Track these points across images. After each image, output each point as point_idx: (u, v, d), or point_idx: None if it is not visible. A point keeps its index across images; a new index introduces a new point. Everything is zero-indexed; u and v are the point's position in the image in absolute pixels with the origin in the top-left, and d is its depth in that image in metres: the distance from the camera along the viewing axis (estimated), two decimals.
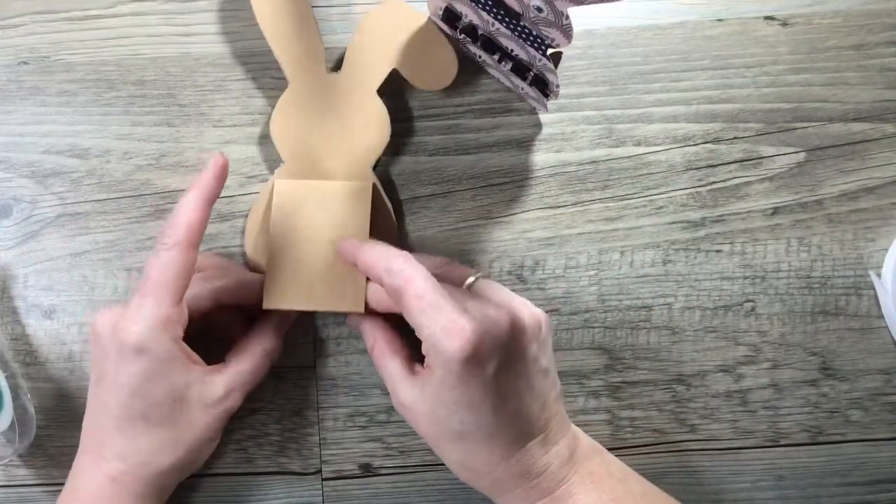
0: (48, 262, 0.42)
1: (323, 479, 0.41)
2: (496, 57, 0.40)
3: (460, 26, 0.40)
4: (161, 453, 0.34)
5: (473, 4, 0.37)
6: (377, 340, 0.37)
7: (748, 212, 0.43)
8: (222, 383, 0.36)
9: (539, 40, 0.36)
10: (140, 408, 0.34)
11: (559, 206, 0.43)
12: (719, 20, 0.44)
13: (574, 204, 0.43)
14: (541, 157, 0.43)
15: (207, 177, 0.34)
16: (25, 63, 0.43)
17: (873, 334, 0.42)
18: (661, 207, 0.43)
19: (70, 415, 0.41)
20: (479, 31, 0.40)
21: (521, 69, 0.40)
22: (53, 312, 0.42)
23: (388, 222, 0.41)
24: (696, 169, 0.43)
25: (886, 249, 0.42)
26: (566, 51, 0.39)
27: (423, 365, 0.35)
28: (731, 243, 0.42)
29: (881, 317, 0.42)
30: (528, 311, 0.35)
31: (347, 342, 0.42)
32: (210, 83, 0.43)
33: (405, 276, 0.33)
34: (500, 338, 0.32)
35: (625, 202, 0.43)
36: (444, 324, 0.32)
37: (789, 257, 0.42)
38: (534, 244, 0.42)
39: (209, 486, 0.41)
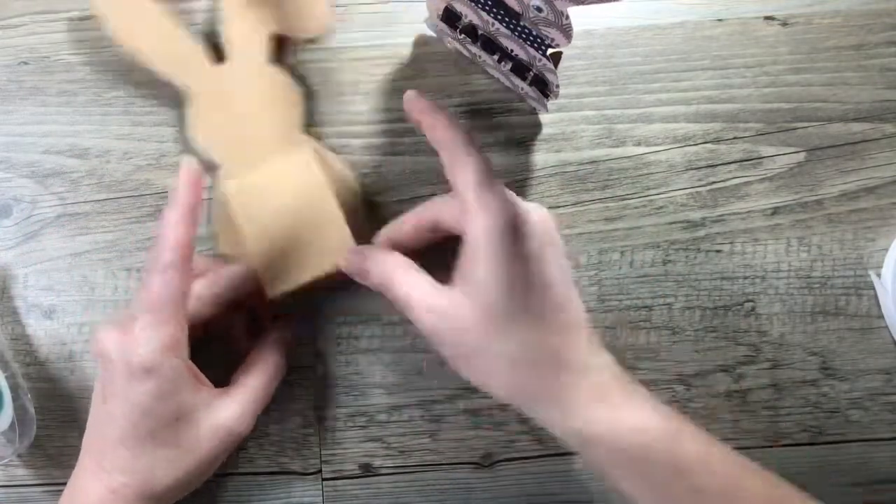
0: (48, 262, 0.42)
1: (323, 479, 0.41)
2: (496, 57, 0.40)
3: (460, 26, 0.40)
4: (163, 471, 0.34)
5: (473, 4, 0.37)
6: (395, 263, 0.35)
7: (748, 212, 0.43)
8: (231, 406, 0.36)
9: (539, 40, 0.36)
10: (149, 426, 0.34)
11: (559, 206, 0.43)
12: (719, 20, 0.44)
13: (574, 204, 0.43)
14: (541, 157, 0.43)
15: (182, 190, 0.34)
16: (25, 63, 0.43)
17: (873, 334, 0.42)
18: (661, 207, 0.43)
19: (70, 415, 0.41)
20: (479, 32, 0.40)
21: (520, 69, 0.40)
22: (53, 312, 0.42)
23: (343, 175, 0.42)
24: (696, 169, 0.43)
25: (886, 249, 0.42)
26: (566, 51, 0.39)
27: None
28: (731, 243, 0.42)
29: (881, 317, 0.42)
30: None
31: (347, 342, 0.42)
32: None
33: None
34: (545, 220, 0.34)
35: (625, 202, 0.43)
36: (497, 202, 0.32)
37: (789, 257, 0.42)
38: None
39: (209, 486, 0.41)
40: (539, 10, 0.33)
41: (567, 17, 0.32)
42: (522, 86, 0.41)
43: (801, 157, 0.43)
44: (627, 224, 0.43)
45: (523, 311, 0.32)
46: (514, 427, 0.41)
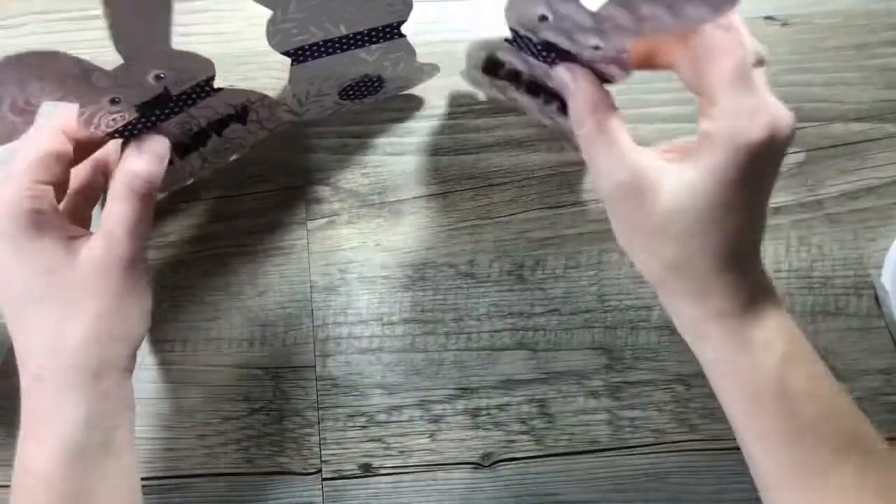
0: None
1: (323, 479, 0.41)
2: (541, 99, 0.39)
3: (502, 73, 0.40)
4: (66, 331, 0.31)
5: (520, 52, 0.36)
6: (597, 98, 0.32)
7: None
8: (98, 234, 0.33)
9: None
10: (20, 292, 0.31)
11: (559, 206, 0.43)
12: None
13: (574, 204, 0.43)
14: (541, 157, 0.43)
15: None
16: None
17: (873, 334, 0.42)
18: None
19: None
20: (524, 77, 0.39)
21: (568, 109, 0.39)
22: None
23: None
24: None
25: (886, 249, 0.42)
26: None
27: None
28: None
29: (881, 317, 0.42)
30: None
31: (347, 342, 0.42)
32: None
33: (734, 33, 0.28)
34: (789, 139, 0.29)
35: None
36: (752, 102, 0.28)
37: (789, 257, 0.42)
38: (534, 244, 0.42)
39: (209, 486, 0.41)
40: (597, 48, 0.32)
41: (627, 51, 0.32)
42: (568, 123, 0.40)
43: (801, 157, 0.43)
44: None
45: (734, 211, 0.29)
46: (514, 427, 0.41)
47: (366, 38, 0.37)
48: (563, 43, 0.33)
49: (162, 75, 0.34)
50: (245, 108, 0.39)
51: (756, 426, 0.31)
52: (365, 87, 0.41)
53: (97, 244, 0.32)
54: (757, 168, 0.29)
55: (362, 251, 0.42)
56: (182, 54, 0.33)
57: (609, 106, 0.32)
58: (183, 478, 0.41)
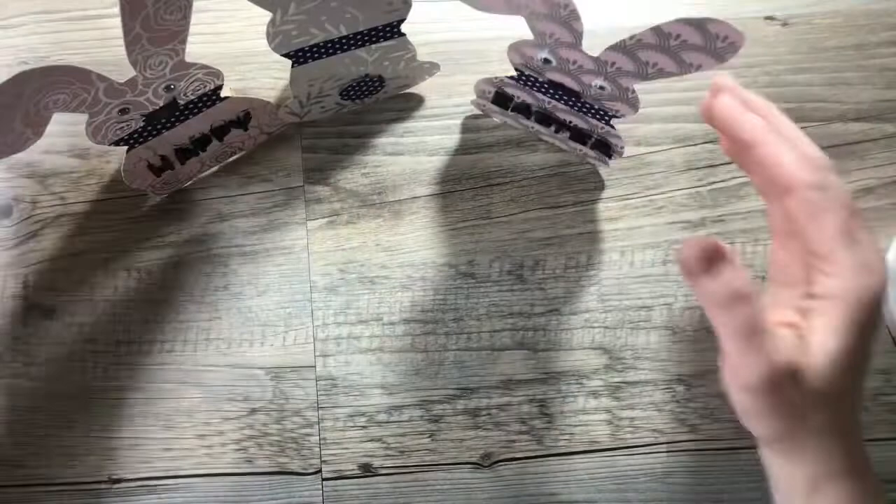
0: (48, 262, 0.42)
1: (323, 479, 0.41)
2: (552, 129, 0.40)
3: (511, 106, 0.40)
4: None
5: (528, 88, 0.37)
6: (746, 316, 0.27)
7: (748, 212, 0.43)
8: None
9: (601, 112, 0.36)
10: None
11: (559, 206, 0.43)
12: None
13: (574, 204, 0.43)
14: (541, 157, 0.43)
15: None
16: (25, 63, 0.43)
17: None
18: (661, 207, 0.43)
19: (70, 415, 0.41)
20: (533, 109, 0.40)
21: (580, 136, 0.40)
22: (53, 312, 0.42)
23: None
24: (696, 169, 0.43)
25: (886, 249, 0.42)
26: None
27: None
28: (731, 243, 0.42)
29: (881, 317, 0.42)
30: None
31: (347, 342, 0.42)
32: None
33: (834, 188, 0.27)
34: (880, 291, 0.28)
35: (625, 202, 0.43)
36: (865, 255, 0.27)
37: None
38: (534, 244, 0.42)
39: (209, 486, 0.41)
40: (602, 88, 0.33)
41: (633, 92, 0.32)
42: (581, 149, 0.41)
43: None
44: (627, 224, 0.43)
45: (852, 388, 0.29)
46: (514, 427, 0.41)
47: (366, 38, 0.37)
48: (569, 82, 0.34)
49: (172, 86, 0.34)
50: (247, 113, 0.40)
51: None
52: (366, 87, 0.41)
53: None
54: (874, 320, 0.28)
55: (362, 251, 0.42)
56: (193, 65, 0.34)
57: (750, 304, 0.27)
58: (183, 478, 0.41)
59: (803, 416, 0.28)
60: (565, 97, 0.35)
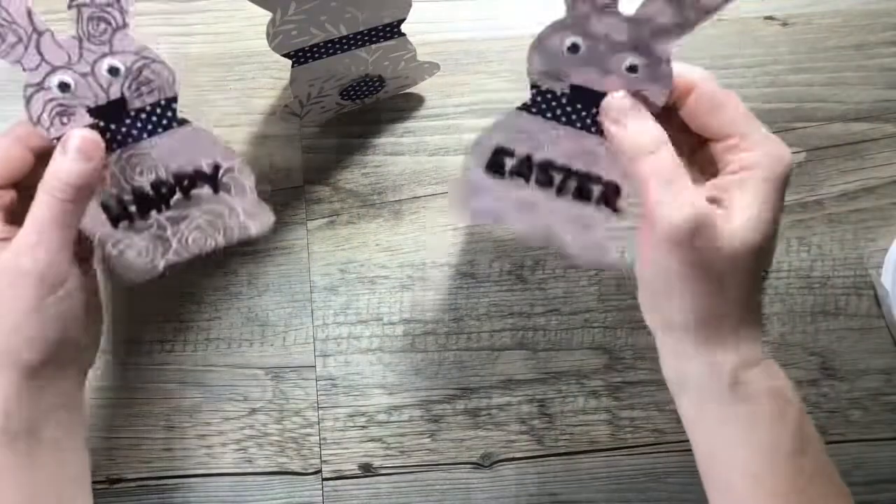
0: None
1: (323, 479, 0.41)
2: (553, 190, 0.35)
3: (511, 167, 0.35)
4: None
5: (538, 120, 0.33)
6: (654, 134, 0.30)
7: None
8: (18, 239, 0.30)
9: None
10: None
11: None
12: (719, 20, 0.44)
13: None
14: None
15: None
16: None
17: (873, 334, 0.42)
18: None
19: None
20: (535, 161, 0.34)
21: (585, 188, 0.35)
22: None
23: None
24: None
25: (886, 249, 0.42)
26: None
27: None
28: None
29: (881, 317, 0.42)
30: None
31: (347, 342, 0.42)
32: (210, 83, 0.43)
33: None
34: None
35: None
36: (768, 134, 0.30)
37: (789, 257, 0.42)
38: (534, 244, 0.42)
39: (209, 486, 0.41)
40: (632, 69, 0.31)
41: (668, 62, 0.30)
42: (583, 216, 0.36)
43: (801, 157, 0.43)
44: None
45: (763, 257, 0.30)
46: (514, 427, 0.41)
47: (366, 38, 0.37)
48: (594, 79, 0.32)
49: (118, 68, 0.31)
50: (216, 168, 0.34)
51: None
52: (366, 87, 0.41)
53: (3, 253, 0.30)
54: (783, 193, 0.30)
55: (362, 251, 0.42)
56: (145, 49, 0.31)
57: (664, 141, 0.30)
58: (183, 478, 0.41)
59: (721, 287, 0.29)
60: (584, 113, 0.33)
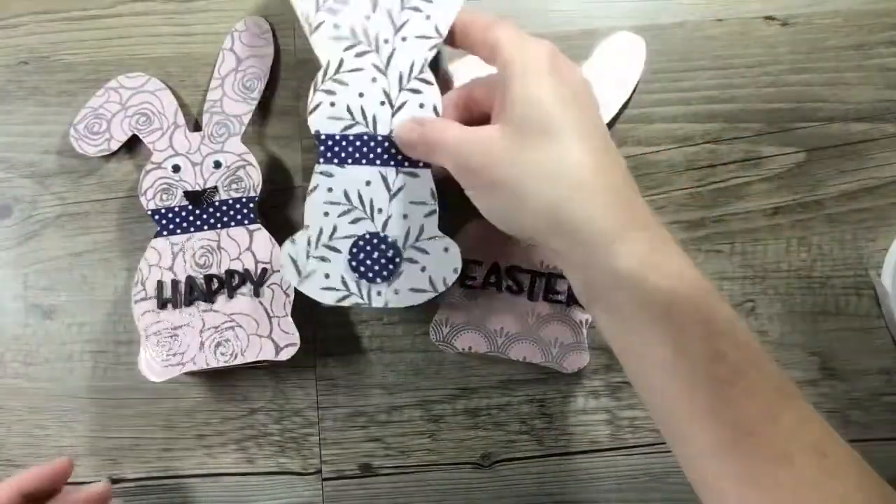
0: (48, 262, 0.42)
1: (323, 479, 0.41)
2: (525, 294, 0.40)
3: (478, 277, 0.40)
4: None
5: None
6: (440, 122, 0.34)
7: (748, 212, 0.43)
8: None
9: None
10: None
11: None
12: (719, 20, 0.44)
13: None
14: None
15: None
16: (25, 63, 0.43)
17: (873, 334, 0.42)
18: (661, 207, 0.43)
19: (70, 415, 0.41)
20: (503, 266, 0.40)
21: (552, 285, 0.40)
22: (53, 312, 0.42)
23: None
24: (696, 169, 0.43)
25: (886, 249, 0.42)
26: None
27: None
28: (731, 243, 0.42)
29: (881, 317, 0.42)
30: None
31: (347, 342, 0.42)
32: (210, 83, 0.43)
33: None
34: (582, 79, 0.33)
35: None
36: (534, 43, 0.32)
37: (789, 257, 0.42)
38: None
39: (209, 486, 0.41)
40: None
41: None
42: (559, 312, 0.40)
43: (801, 157, 0.43)
44: None
45: (557, 128, 0.30)
46: (514, 427, 0.41)
47: None
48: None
49: (221, 163, 0.38)
50: (264, 271, 0.39)
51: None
52: None
53: None
54: (551, 89, 0.31)
55: None
56: (247, 153, 0.38)
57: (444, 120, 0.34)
58: (183, 478, 0.41)
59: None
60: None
